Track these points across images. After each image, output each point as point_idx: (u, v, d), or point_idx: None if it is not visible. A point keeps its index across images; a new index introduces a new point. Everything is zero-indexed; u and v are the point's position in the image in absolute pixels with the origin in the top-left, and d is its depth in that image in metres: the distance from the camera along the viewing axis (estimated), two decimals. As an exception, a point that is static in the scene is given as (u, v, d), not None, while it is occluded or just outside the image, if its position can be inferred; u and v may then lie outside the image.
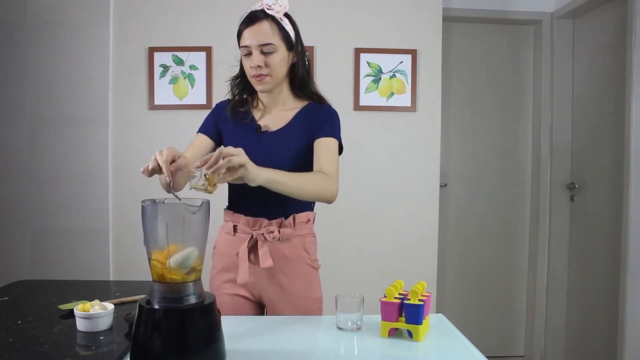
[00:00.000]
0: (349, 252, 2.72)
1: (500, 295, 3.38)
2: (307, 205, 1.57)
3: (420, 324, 1.22)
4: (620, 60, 2.63)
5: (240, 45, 1.51)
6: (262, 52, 1.47)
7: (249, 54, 1.49)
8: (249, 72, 1.51)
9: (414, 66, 2.71)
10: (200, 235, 1.09)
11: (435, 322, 1.36)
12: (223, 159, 1.17)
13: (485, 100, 3.32)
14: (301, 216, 1.54)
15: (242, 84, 1.61)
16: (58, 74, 2.91)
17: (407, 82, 2.72)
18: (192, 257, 1.06)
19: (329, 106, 1.60)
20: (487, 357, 1.15)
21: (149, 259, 1.07)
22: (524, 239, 3.38)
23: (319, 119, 1.55)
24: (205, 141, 1.59)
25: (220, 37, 2.61)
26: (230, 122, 1.59)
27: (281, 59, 1.50)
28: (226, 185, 1.55)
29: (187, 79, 2.66)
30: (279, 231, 1.51)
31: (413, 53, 2.70)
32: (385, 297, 1.25)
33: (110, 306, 1.25)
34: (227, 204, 1.62)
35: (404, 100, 2.72)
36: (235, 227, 1.55)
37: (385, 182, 2.74)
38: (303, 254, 1.55)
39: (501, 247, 3.38)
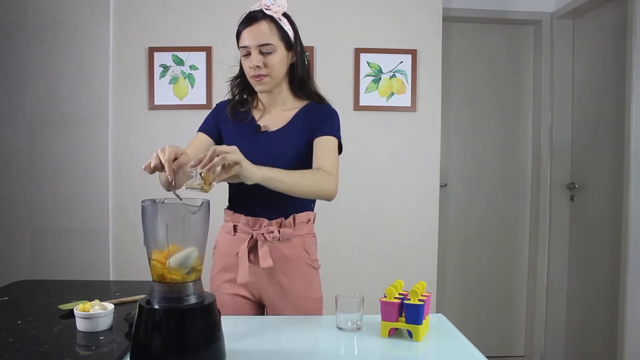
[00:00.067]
0: (349, 252, 2.72)
1: (500, 295, 3.38)
2: (307, 205, 1.57)
3: (420, 324, 1.22)
4: (620, 60, 2.63)
5: (239, 45, 1.51)
6: (261, 53, 1.47)
7: (248, 54, 1.49)
8: (248, 73, 1.51)
9: (414, 66, 2.71)
10: (200, 235, 1.09)
11: (435, 322, 1.36)
12: (217, 156, 1.17)
13: (485, 100, 3.32)
14: (301, 216, 1.54)
15: (242, 84, 1.61)
16: (58, 74, 2.91)
17: (407, 82, 2.72)
18: (192, 257, 1.06)
19: (329, 106, 1.60)
20: (487, 357, 1.15)
21: (149, 259, 1.07)
22: (524, 239, 3.38)
23: (318, 118, 1.55)
24: (206, 140, 1.59)
25: (220, 37, 2.61)
26: (230, 122, 1.59)
27: (280, 59, 1.50)
28: (226, 185, 1.55)
29: (187, 79, 2.66)
30: (279, 231, 1.51)
31: (413, 53, 2.70)
32: (385, 297, 1.25)
33: (110, 306, 1.25)
34: (227, 204, 1.62)
35: (404, 100, 2.72)
36: (235, 227, 1.55)
37: (385, 182, 2.74)
38: (303, 254, 1.55)
39: (501, 247, 3.38)
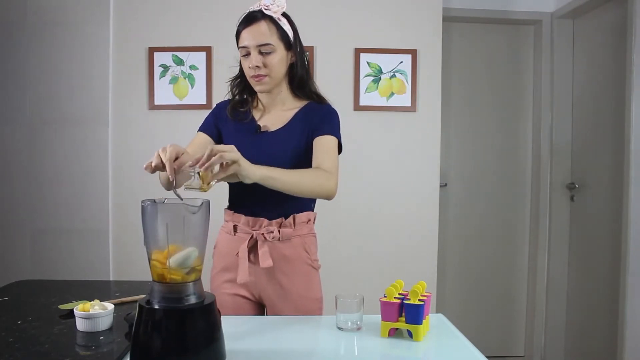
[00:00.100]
0: (349, 252, 2.72)
1: (500, 295, 3.38)
2: (307, 205, 1.57)
3: (420, 324, 1.22)
4: (620, 60, 2.63)
5: (239, 45, 1.51)
6: (261, 53, 1.47)
7: (248, 54, 1.49)
8: (248, 73, 1.51)
9: (414, 66, 2.71)
10: (200, 235, 1.09)
11: (435, 322, 1.36)
12: (214, 155, 1.17)
13: (485, 100, 3.32)
14: (301, 216, 1.54)
15: (242, 85, 1.61)
16: (58, 74, 2.91)
17: (407, 82, 2.72)
18: (192, 257, 1.06)
19: (329, 105, 1.60)
20: (487, 357, 1.15)
21: (149, 259, 1.07)
22: (524, 239, 3.38)
23: (318, 118, 1.55)
24: (206, 140, 1.59)
25: (220, 37, 2.61)
26: (230, 122, 1.59)
27: (280, 59, 1.50)
28: (227, 185, 1.55)
29: (187, 79, 2.66)
30: (278, 231, 1.51)
31: (413, 53, 2.70)
32: (385, 297, 1.25)
33: (110, 306, 1.25)
34: (227, 204, 1.62)
35: (404, 100, 2.72)
36: (235, 227, 1.55)
37: (385, 182, 2.74)
38: (303, 254, 1.54)
39: (501, 247, 3.38)
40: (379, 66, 2.70)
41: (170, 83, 2.65)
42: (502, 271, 3.38)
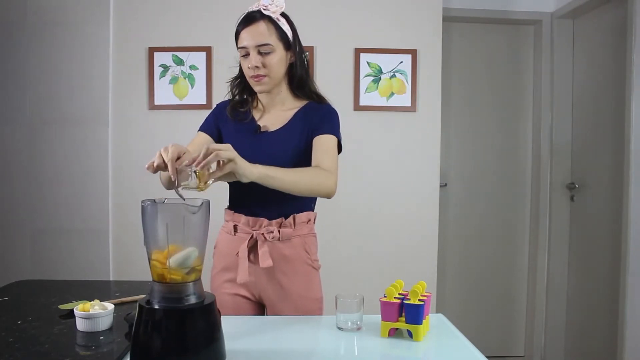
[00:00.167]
0: (349, 252, 2.72)
1: (500, 295, 3.38)
2: (307, 205, 1.57)
3: (420, 324, 1.22)
4: (620, 60, 2.63)
5: (238, 46, 1.51)
6: (260, 53, 1.47)
7: (247, 54, 1.49)
8: (247, 73, 1.51)
9: (414, 66, 2.71)
10: (200, 235, 1.09)
11: (435, 322, 1.36)
12: (210, 154, 1.17)
13: (485, 100, 3.32)
14: (301, 216, 1.54)
15: (242, 85, 1.61)
16: (58, 74, 2.91)
17: (407, 82, 2.72)
18: (192, 257, 1.06)
19: (329, 105, 1.60)
20: (487, 357, 1.15)
21: (149, 259, 1.07)
22: (524, 239, 3.38)
23: (318, 117, 1.55)
24: (206, 139, 1.59)
25: (220, 37, 2.61)
26: (230, 122, 1.59)
27: (279, 59, 1.50)
28: (227, 185, 1.55)
29: (187, 79, 2.66)
30: (278, 231, 1.51)
31: (413, 53, 2.70)
32: (385, 297, 1.25)
33: (110, 306, 1.25)
34: (227, 204, 1.62)
35: (404, 100, 2.72)
36: (235, 227, 1.55)
37: (385, 182, 2.74)
38: (303, 254, 1.54)
39: (501, 247, 3.38)
40: (379, 66, 2.70)
41: (170, 83, 2.65)
42: (502, 271, 3.38)
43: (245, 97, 1.63)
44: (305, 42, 1.61)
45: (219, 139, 1.61)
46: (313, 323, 1.40)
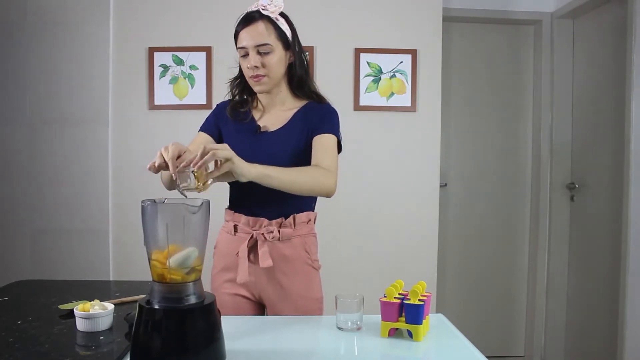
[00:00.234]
0: (349, 252, 2.72)
1: (500, 295, 3.38)
2: (307, 205, 1.57)
3: (420, 324, 1.22)
4: (620, 60, 2.63)
5: (237, 46, 1.51)
6: (259, 53, 1.47)
7: (246, 54, 1.49)
8: (247, 73, 1.52)
9: (414, 66, 2.71)
10: (200, 235, 1.09)
11: (435, 322, 1.36)
12: (207, 154, 1.18)
13: (485, 100, 3.32)
14: (301, 216, 1.54)
15: (242, 85, 1.61)
16: (58, 74, 2.91)
17: (407, 82, 2.72)
18: (192, 257, 1.06)
19: (328, 105, 1.60)
20: (487, 357, 1.15)
21: (149, 259, 1.07)
22: (524, 239, 3.38)
23: (317, 117, 1.55)
24: (207, 139, 1.59)
25: (220, 37, 2.61)
26: (230, 122, 1.59)
27: (278, 59, 1.50)
28: (227, 186, 1.55)
29: (187, 79, 2.66)
30: (278, 231, 1.51)
31: (413, 53, 2.70)
32: (385, 297, 1.25)
33: (110, 306, 1.25)
34: (228, 204, 1.62)
35: (404, 100, 2.72)
36: (235, 227, 1.55)
37: (385, 182, 2.74)
38: (303, 254, 1.54)
39: (501, 247, 3.38)
40: (379, 66, 2.70)
41: (170, 83, 2.65)
42: (502, 271, 3.38)
43: (245, 97, 1.63)
44: (305, 42, 1.61)
45: (219, 139, 1.61)
46: (313, 323, 1.40)
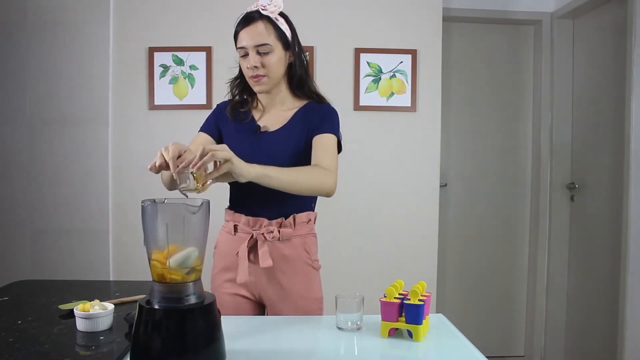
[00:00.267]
0: (349, 252, 2.72)
1: (500, 295, 3.38)
2: (307, 205, 1.57)
3: (420, 324, 1.22)
4: (620, 60, 2.63)
5: (237, 46, 1.51)
6: (259, 53, 1.48)
7: (246, 54, 1.49)
8: (246, 73, 1.52)
9: (414, 66, 2.71)
10: (200, 235, 1.09)
11: (435, 322, 1.36)
12: (206, 155, 1.18)
13: (485, 100, 3.32)
14: (302, 216, 1.54)
15: (242, 85, 1.62)
16: (58, 74, 2.91)
17: (407, 82, 2.72)
18: (192, 257, 1.06)
19: (328, 105, 1.60)
20: (487, 357, 1.15)
21: (149, 259, 1.07)
22: (524, 239, 3.38)
23: (317, 117, 1.55)
24: (207, 139, 1.59)
25: (220, 37, 2.61)
26: (230, 122, 1.59)
27: (278, 59, 1.50)
28: (227, 186, 1.55)
29: (187, 79, 2.66)
30: (278, 231, 1.51)
31: (413, 53, 2.70)
32: (385, 297, 1.25)
33: (110, 306, 1.25)
34: (228, 204, 1.62)
35: (404, 100, 2.72)
36: (235, 227, 1.55)
37: (385, 182, 2.74)
38: (303, 254, 1.54)
39: (501, 247, 3.38)
40: (379, 66, 2.70)
41: (170, 83, 2.65)
42: (502, 271, 3.38)
43: (245, 97, 1.63)
44: (305, 42, 1.61)
45: (219, 139, 1.61)
46: (313, 323, 1.40)
